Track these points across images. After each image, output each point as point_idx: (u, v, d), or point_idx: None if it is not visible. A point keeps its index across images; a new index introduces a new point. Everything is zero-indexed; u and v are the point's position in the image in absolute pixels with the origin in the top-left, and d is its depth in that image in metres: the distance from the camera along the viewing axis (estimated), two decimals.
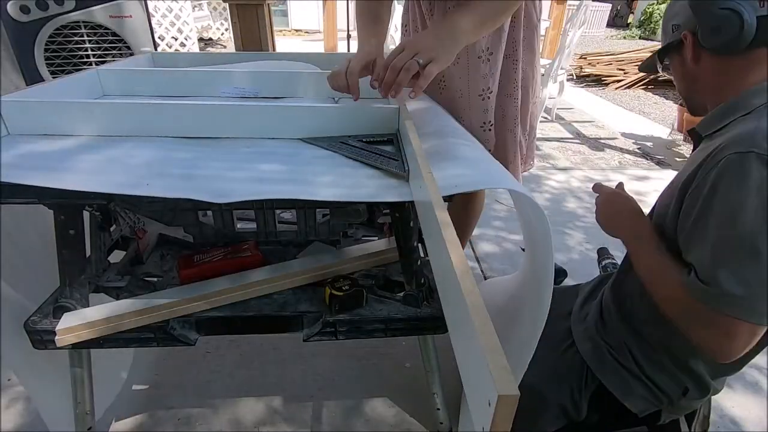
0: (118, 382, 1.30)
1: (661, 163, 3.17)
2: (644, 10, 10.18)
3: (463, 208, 1.44)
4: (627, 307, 0.86)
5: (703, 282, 0.64)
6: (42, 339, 0.84)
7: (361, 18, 1.04)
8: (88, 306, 0.88)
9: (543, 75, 3.40)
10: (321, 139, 0.85)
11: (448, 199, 0.66)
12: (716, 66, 0.74)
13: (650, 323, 0.81)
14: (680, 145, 3.50)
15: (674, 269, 0.70)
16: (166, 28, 5.21)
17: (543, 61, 3.51)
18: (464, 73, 1.09)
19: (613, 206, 0.86)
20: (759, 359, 1.49)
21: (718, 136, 0.70)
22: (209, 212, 1.06)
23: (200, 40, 6.90)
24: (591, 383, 0.86)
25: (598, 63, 5.78)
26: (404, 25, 1.26)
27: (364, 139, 0.86)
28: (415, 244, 0.92)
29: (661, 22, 0.82)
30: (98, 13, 1.92)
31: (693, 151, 0.81)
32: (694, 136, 0.80)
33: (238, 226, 1.10)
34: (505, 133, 1.19)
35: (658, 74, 0.88)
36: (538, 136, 2.73)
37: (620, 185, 0.92)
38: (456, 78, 1.10)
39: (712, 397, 0.81)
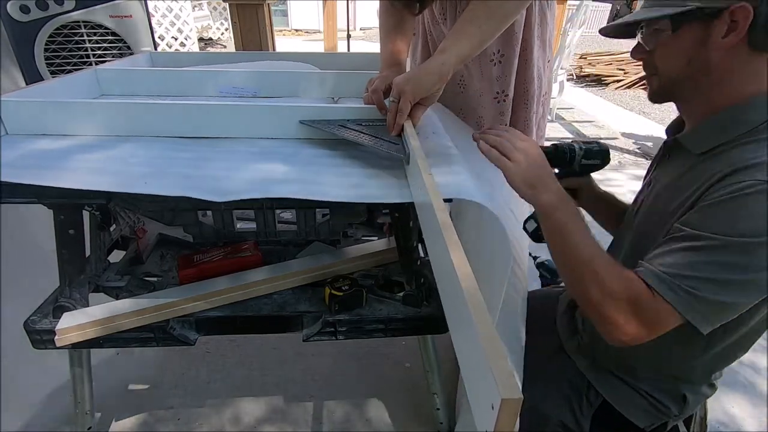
0: None
1: None
2: None
3: None
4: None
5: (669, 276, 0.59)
6: (42, 339, 0.84)
7: (382, 29, 1.02)
8: (88, 306, 0.88)
9: None
10: (320, 122, 0.85)
11: (447, 199, 0.66)
12: (748, 61, 0.60)
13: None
14: None
15: (594, 243, 0.65)
16: (166, 28, 5.20)
17: None
18: (478, 74, 1.08)
19: (537, 159, 0.70)
20: (758, 360, 1.49)
21: (715, 156, 0.63)
22: (209, 212, 1.06)
23: (200, 40, 6.90)
24: (595, 399, 0.82)
25: (598, 63, 5.78)
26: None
27: (363, 123, 0.85)
28: (415, 244, 0.92)
29: None
30: (98, 13, 1.92)
31: (662, 159, 0.75)
32: (673, 148, 0.72)
33: (238, 226, 1.10)
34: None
35: (626, 38, 0.71)
36: None
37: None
38: (474, 79, 1.10)
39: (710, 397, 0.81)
